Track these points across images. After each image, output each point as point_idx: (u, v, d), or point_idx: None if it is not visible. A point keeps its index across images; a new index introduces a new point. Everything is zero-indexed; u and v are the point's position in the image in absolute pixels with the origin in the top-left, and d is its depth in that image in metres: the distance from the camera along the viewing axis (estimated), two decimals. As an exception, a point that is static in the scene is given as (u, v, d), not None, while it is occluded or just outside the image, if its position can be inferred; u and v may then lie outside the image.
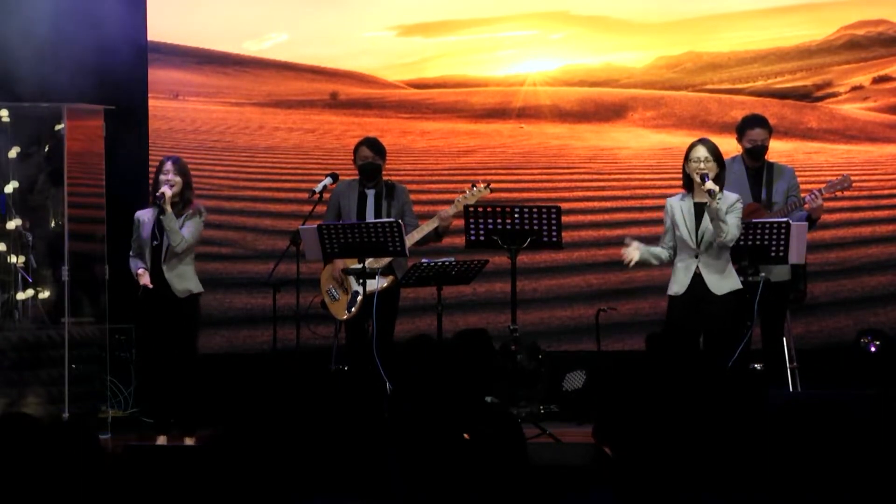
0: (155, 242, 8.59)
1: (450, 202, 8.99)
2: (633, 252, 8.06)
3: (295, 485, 4.30)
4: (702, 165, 7.81)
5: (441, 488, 3.42)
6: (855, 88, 11.01)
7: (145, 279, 8.52)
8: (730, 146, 8.99)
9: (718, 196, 7.72)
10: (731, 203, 7.82)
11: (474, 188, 8.97)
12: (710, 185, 7.71)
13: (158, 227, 8.60)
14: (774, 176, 8.92)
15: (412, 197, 9.30)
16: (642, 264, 8.13)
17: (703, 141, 7.97)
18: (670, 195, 8.15)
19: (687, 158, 7.92)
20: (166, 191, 8.47)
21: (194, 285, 8.65)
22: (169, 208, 8.47)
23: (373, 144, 9.18)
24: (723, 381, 7.61)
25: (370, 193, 9.14)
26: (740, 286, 7.95)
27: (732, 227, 7.78)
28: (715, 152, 7.87)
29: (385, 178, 9.23)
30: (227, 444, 4.18)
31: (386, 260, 8.84)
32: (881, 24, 11.01)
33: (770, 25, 11.01)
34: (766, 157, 8.93)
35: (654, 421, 3.30)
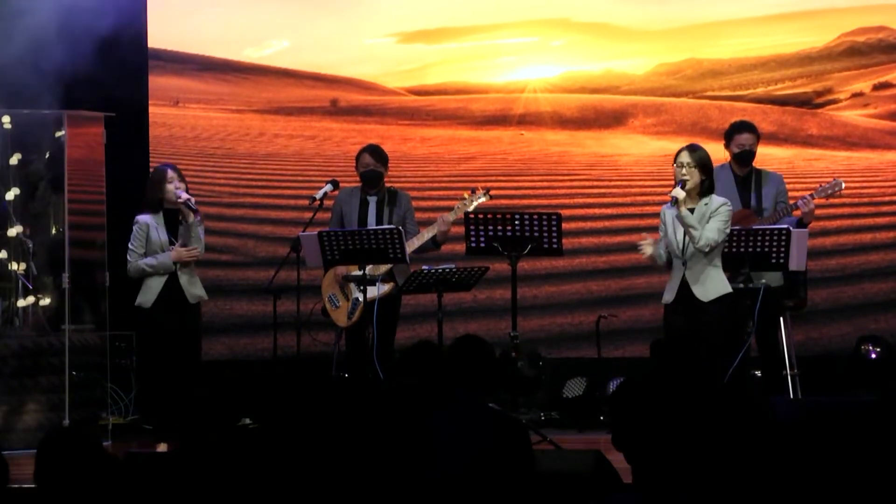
0: (173, 247, 8.77)
1: (450, 209, 9.00)
2: (647, 247, 8.08)
3: (295, 490, 4.29)
4: (683, 171, 7.80)
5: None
6: (855, 95, 11.01)
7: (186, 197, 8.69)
8: (726, 152, 9.05)
9: (688, 206, 7.75)
10: (714, 208, 7.79)
11: (473, 194, 8.98)
12: (675, 191, 7.72)
13: (172, 232, 8.74)
14: (762, 182, 8.96)
15: (413, 204, 9.30)
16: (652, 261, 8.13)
17: (688, 147, 7.92)
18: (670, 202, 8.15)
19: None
20: (190, 197, 8.69)
21: (203, 291, 8.90)
22: (192, 216, 8.68)
23: (374, 152, 9.18)
24: (725, 388, 7.60)
25: (372, 200, 9.15)
26: (729, 290, 7.89)
27: (708, 230, 7.72)
28: (699, 159, 7.81)
29: (387, 185, 9.24)
30: (228, 451, 4.18)
31: (386, 266, 8.85)
32: (881, 31, 11.01)
33: (770, 32, 11.02)
34: (756, 164, 9.00)
35: (670, 429, 3.29)
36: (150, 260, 8.79)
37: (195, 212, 8.77)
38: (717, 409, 3.69)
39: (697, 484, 3.15)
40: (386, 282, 8.95)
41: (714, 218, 7.75)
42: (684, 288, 7.85)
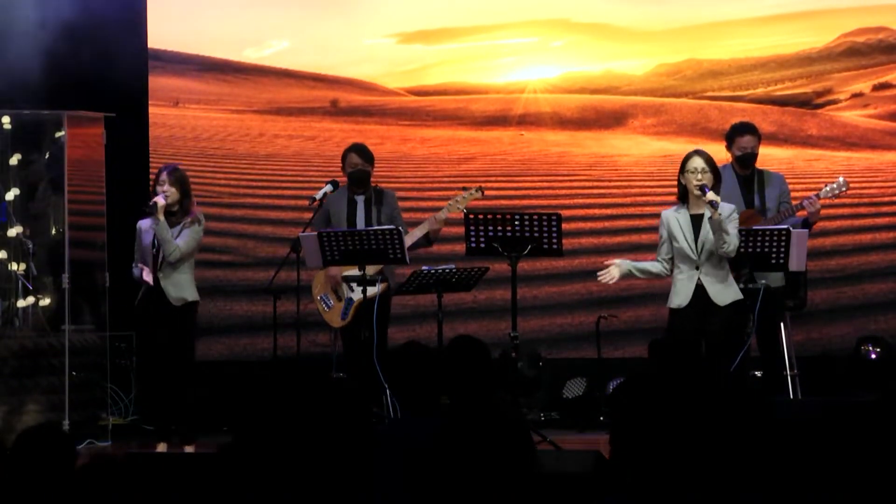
0: (154, 251, 8.66)
1: (448, 209, 9.02)
2: (614, 271, 8.14)
3: (293, 493, 4.29)
4: (699, 177, 7.82)
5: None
6: (855, 95, 11.01)
7: (147, 275, 8.57)
8: (727, 154, 9.04)
9: (699, 210, 7.78)
10: (728, 213, 7.83)
11: (466, 192, 8.98)
12: (711, 195, 7.72)
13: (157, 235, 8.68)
14: (765, 182, 8.97)
15: (413, 204, 9.31)
16: (627, 278, 8.19)
17: (698, 152, 7.97)
18: (671, 202, 8.16)
19: (683, 170, 7.92)
20: (158, 200, 8.52)
21: (189, 294, 8.66)
22: (161, 217, 8.49)
23: (361, 151, 9.18)
24: (729, 389, 7.60)
25: (359, 200, 9.15)
26: (741, 296, 7.97)
27: (733, 237, 7.79)
28: (711, 163, 7.88)
29: (382, 184, 9.25)
30: (227, 452, 4.17)
31: (378, 266, 8.84)
32: (881, 32, 11.01)
33: (770, 33, 11.01)
34: (757, 164, 9.00)
35: (666, 430, 3.28)
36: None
37: (155, 215, 8.59)
38: (721, 409, 3.69)
39: (696, 485, 3.15)
40: (381, 282, 8.96)
41: (729, 223, 7.80)
42: (699, 291, 7.88)
